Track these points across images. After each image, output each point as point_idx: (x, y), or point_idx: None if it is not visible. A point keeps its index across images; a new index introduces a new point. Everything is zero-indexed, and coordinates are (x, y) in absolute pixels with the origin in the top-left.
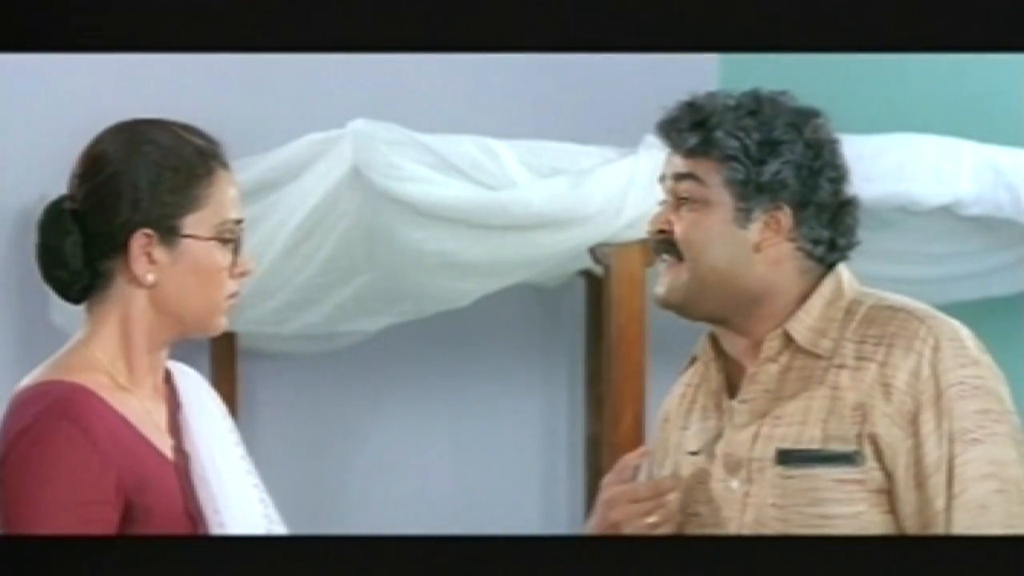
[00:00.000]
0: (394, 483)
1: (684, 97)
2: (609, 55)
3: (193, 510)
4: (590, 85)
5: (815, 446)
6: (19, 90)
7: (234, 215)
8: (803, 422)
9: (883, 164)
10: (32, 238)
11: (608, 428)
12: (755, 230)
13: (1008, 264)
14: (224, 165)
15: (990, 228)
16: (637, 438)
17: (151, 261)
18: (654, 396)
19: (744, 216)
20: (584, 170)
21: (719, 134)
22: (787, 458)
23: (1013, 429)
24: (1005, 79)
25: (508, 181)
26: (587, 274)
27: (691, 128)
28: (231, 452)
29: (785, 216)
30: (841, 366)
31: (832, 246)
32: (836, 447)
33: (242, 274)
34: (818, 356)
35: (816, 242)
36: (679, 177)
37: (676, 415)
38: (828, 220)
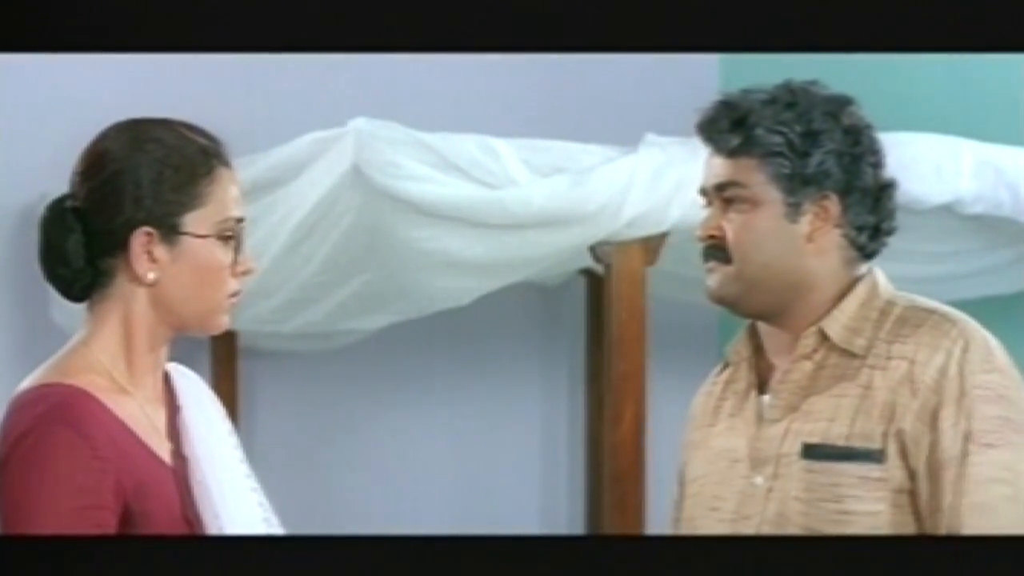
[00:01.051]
0: (394, 482)
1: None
2: (609, 55)
3: (191, 515)
4: (591, 84)
5: (841, 443)
6: (19, 90)
7: (236, 213)
8: (832, 419)
9: None
10: (33, 237)
11: (608, 427)
12: (806, 222)
13: (1009, 263)
14: (226, 164)
15: (991, 227)
16: (637, 436)
17: (152, 259)
18: (654, 395)
19: (794, 210)
20: (585, 169)
21: (760, 131)
22: (812, 453)
23: None
24: (1005, 79)
25: (509, 180)
26: (588, 273)
27: (731, 128)
28: (230, 455)
29: (833, 204)
30: (874, 366)
31: (876, 231)
32: (861, 444)
33: (244, 273)
34: (853, 355)
35: (861, 228)
36: (721, 186)
37: (702, 413)
38: (872, 206)
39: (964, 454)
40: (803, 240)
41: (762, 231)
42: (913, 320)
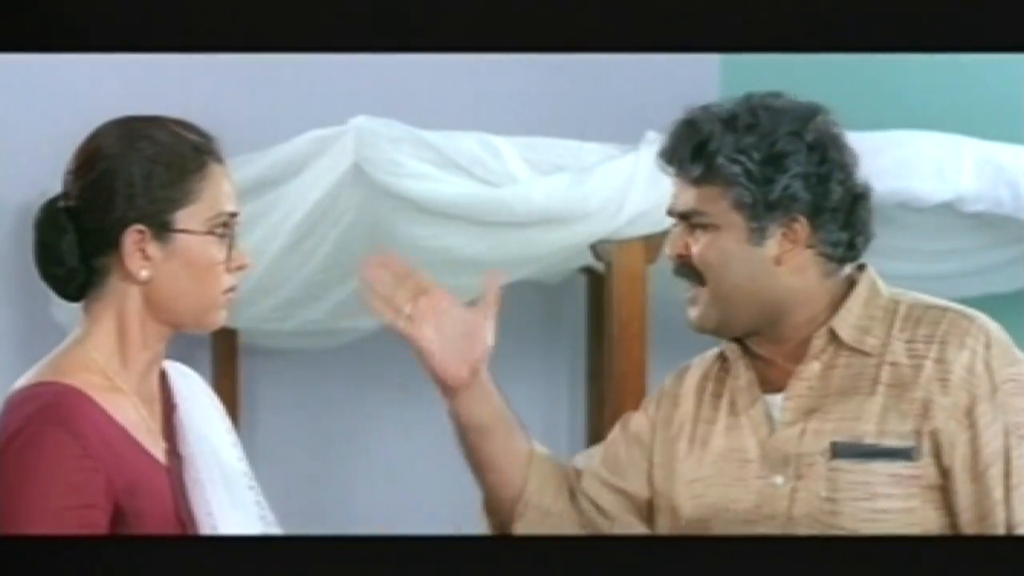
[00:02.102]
0: (394, 479)
1: (680, 111)
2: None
3: (184, 514)
4: (592, 82)
5: (870, 441)
6: (20, 87)
7: (229, 209)
8: (857, 418)
9: (884, 161)
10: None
11: (609, 425)
12: (772, 245)
13: (1009, 261)
14: (218, 159)
15: (991, 225)
16: None
17: (145, 257)
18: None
19: (758, 235)
20: (585, 167)
21: (721, 160)
22: (843, 452)
23: None
24: (1006, 77)
25: (509, 178)
26: (588, 271)
27: (692, 157)
28: (227, 453)
29: (801, 226)
30: (894, 364)
31: (850, 246)
32: (893, 442)
33: (239, 268)
34: (865, 353)
35: (835, 245)
36: (685, 215)
37: (694, 404)
38: (844, 221)
39: (1007, 448)
40: (771, 262)
41: (726, 253)
42: (928, 319)
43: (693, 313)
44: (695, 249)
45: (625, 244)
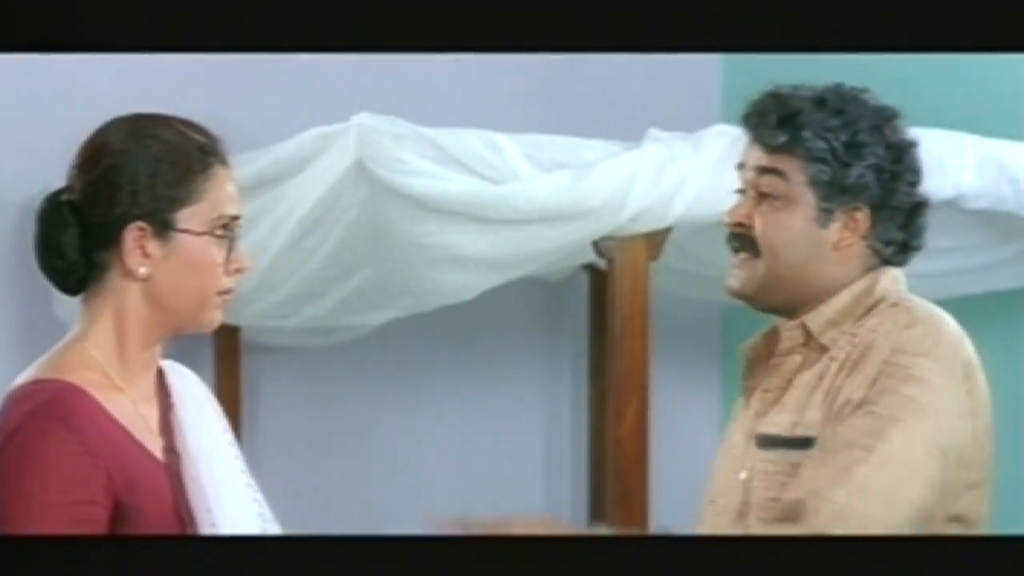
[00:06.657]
0: (396, 476)
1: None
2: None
3: (183, 511)
4: (593, 80)
5: (785, 432)
6: (21, 85)
7: (231, 211)
8: (792, 409)
9: None
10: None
11: (611, 422)
12: (835, 230)
13: (1011, 258)
14: (223, 161)
15: (993, 222)
16: (640, 432)
17: (144, 254)
18: (657, 390)
19: (826, 216)
20: (587, 164)
21: (807, 134)
22: (764, 442)
23: (935, 444)
24: (1008, 74)
25: (512, 175)
26: (591, 268)
27: (779, 124)
28: (224, 451)
29: (863, 217)
30: (832, 358)
31: (903, 248)
32: (801, 432)
33: (237, 271)
34: (824, 347)
35: (888, 243)
36: (762, 171)
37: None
38: (903, 223)
39: (849, 415)
40: (829, 247)
41: (793, 231)
42: (877, 310)
43: (735, 280)
44: (760, 222)
45: (627, 241)
